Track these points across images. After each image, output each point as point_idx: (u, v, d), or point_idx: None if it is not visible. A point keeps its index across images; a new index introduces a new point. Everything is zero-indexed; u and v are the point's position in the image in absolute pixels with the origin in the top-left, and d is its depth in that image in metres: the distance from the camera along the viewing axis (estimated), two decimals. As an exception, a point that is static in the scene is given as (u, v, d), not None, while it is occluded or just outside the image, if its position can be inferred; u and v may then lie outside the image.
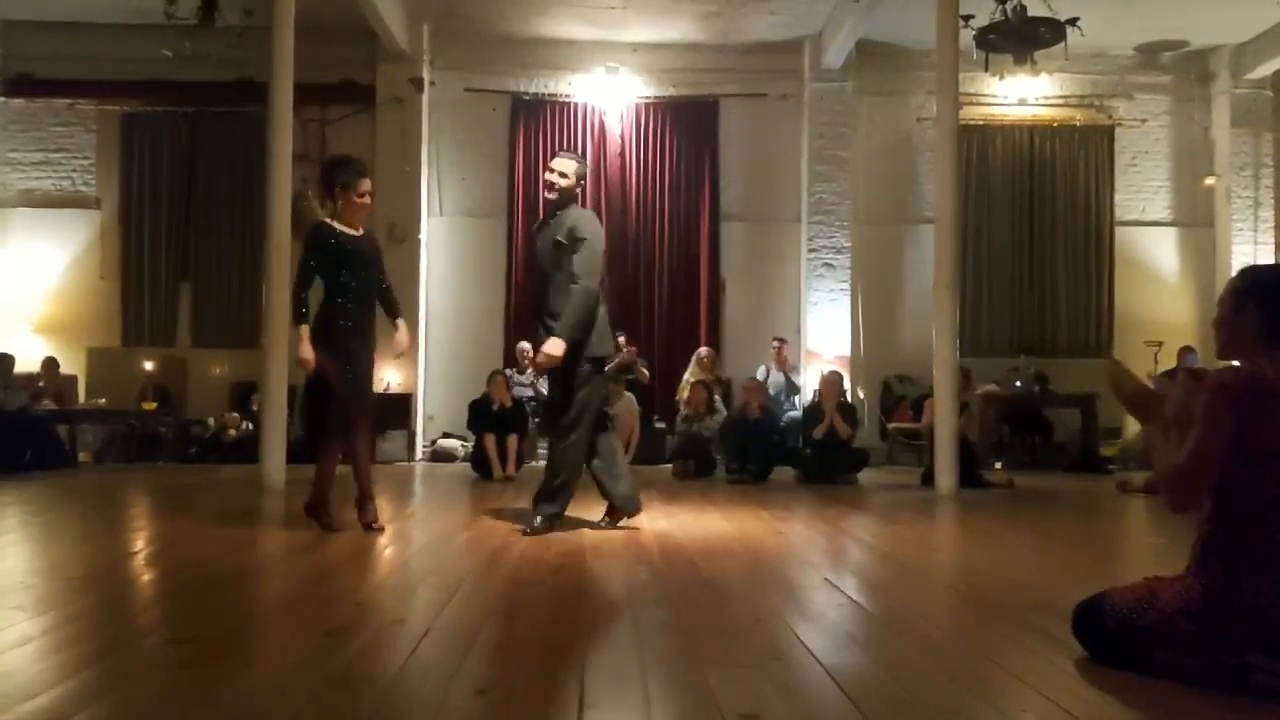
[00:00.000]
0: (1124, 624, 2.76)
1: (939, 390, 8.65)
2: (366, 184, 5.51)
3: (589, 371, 5.53)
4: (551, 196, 5.64)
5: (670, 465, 10.25)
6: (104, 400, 11.34)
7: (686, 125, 12.64)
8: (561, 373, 5.53)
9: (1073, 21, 9.56)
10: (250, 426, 10.68)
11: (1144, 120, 12.83)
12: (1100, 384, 2.83)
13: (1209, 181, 12.75)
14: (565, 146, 12.44)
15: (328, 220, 5.48)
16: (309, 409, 5.64)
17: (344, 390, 5.41)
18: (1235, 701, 2.51)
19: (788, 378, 11.51)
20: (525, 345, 11.68)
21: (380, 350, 5.80)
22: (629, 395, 10.66)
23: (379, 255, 5.69)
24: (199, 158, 12.41)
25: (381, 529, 5.50)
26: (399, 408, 11.68)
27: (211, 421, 11.52)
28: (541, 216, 5.84)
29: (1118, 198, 12.81)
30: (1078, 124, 12.79)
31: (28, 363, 10.85)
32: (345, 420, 5.50)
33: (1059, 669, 2.79)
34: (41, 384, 10.81)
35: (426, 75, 12.11)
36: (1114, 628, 2.78)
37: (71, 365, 11.76)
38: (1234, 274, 2.88)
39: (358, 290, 5.47)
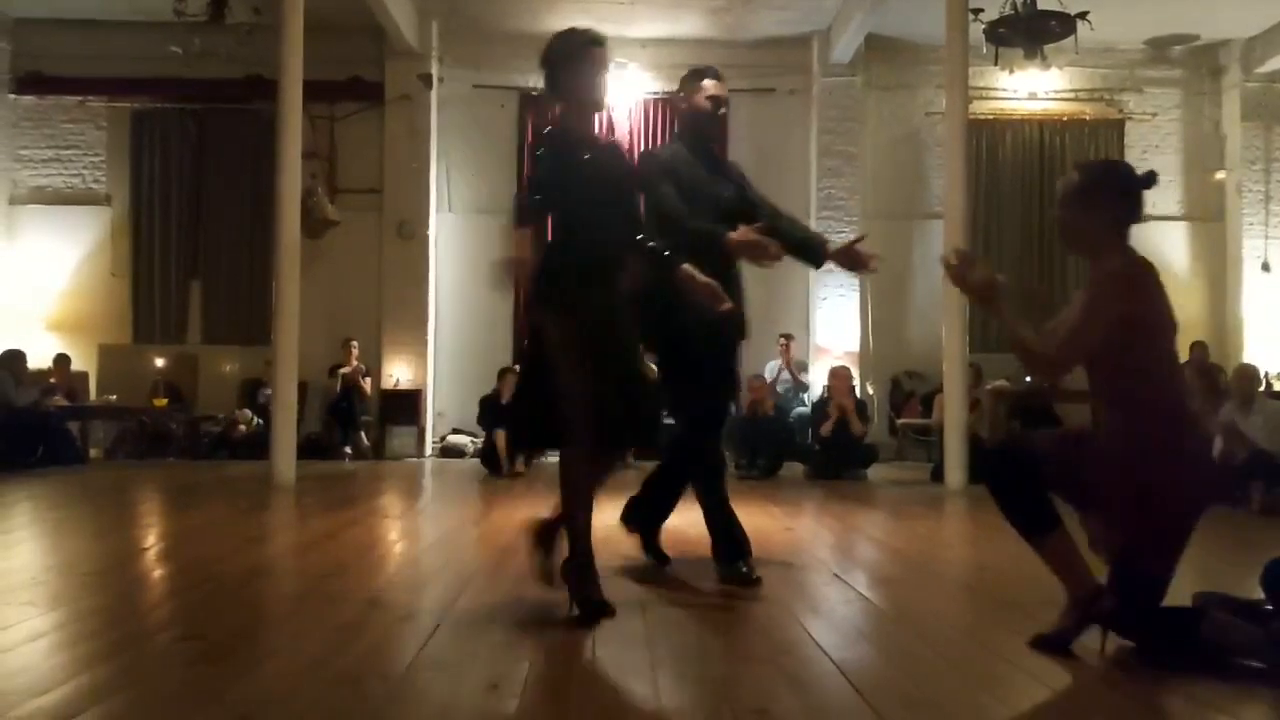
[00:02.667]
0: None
1: (949, 386, 8.65)
2: (603, 53, 3.65)
3: None
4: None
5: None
6: (115, 397, 11.37)
7: (694, 121, 12.60)
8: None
9: (1083, 15, 9.52)
10: (260, 422, 10.69)
11: (1154, 114, 12.77)
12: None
13: (1219, 176, 12.69)
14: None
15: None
16: (526, 404, 3.53)
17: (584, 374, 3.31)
18: (1243, 702, 2.50)
19: (794, 374, 11.50)
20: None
21: None
22: None
23: (635, 172, 3.95)
24: (208, 155, 12.42)
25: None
26: (408, 404, 11.75)
27: (221, 417, 11.56)
28: (702, 152, 4.28)
29: (1128, 192, 12.75)
30: (1087, 118, 12.73)
31: (39, 359, 10.88)
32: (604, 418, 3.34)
33: (1069, 665, 2.79)
34: (53, 381, 10.84)
35: (435, 72, 12.10)
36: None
37: (82, 362, 11.78)
38: (1072, 174, 3.04)
39: (605, 221, 3.52)
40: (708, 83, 4.23)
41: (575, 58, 3.60)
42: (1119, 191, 2.95)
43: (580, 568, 3.35)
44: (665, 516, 4.38)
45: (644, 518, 4.36)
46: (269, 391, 10.74)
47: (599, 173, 3.55)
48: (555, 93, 3.65)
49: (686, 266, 3.54)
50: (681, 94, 4.32)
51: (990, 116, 12.59)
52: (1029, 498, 2.85)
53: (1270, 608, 2.77)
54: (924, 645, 3.10)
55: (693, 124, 4.28)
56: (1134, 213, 2.96)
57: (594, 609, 3.27)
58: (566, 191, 3.47)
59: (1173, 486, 2.77)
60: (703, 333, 3.94)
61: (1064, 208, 3.00)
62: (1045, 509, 2.84)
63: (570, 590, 3.35)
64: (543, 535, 3.48)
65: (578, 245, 3.47)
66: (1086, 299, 2.87)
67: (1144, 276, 2.88)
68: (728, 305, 3.55)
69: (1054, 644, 2.82)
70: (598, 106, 3.66)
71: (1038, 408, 11.70)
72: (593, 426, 3.31)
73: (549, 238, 3.61)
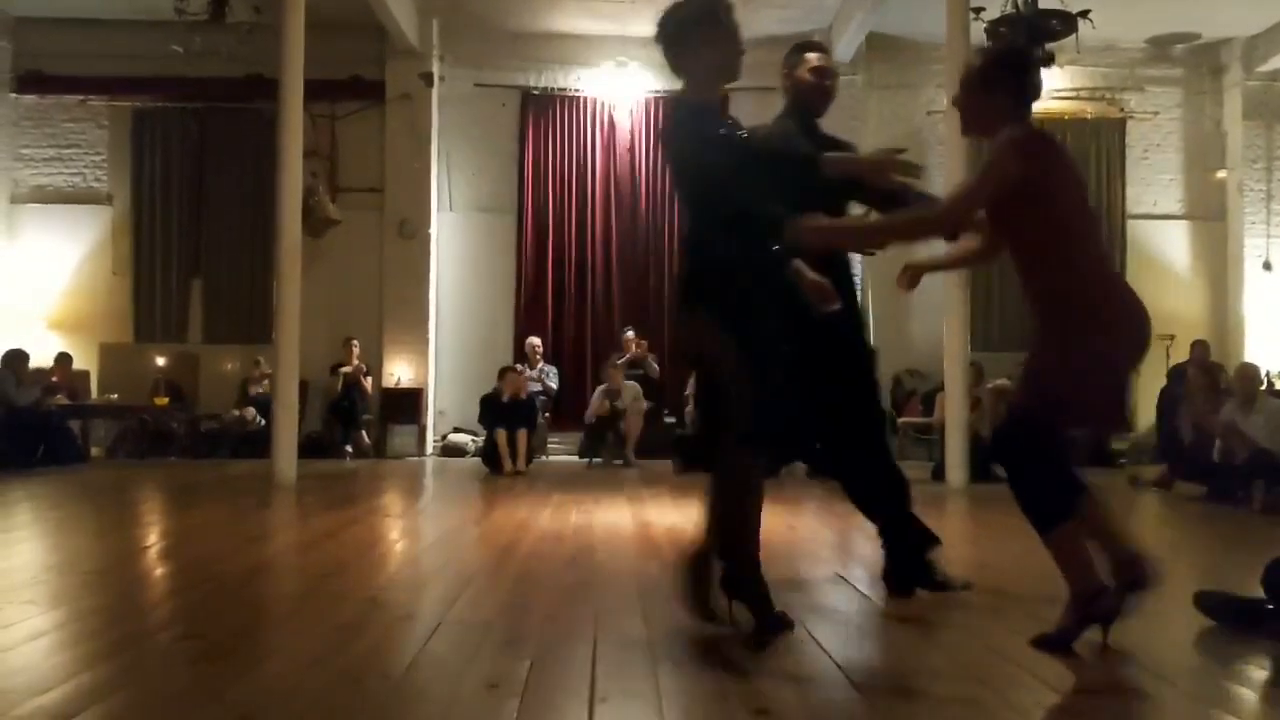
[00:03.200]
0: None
1: (950, 385, 8.64)
2: (735, 17, 3.32)
3: None
4: None
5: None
6: (116, 396, 11.37)
7: (696, 120, 12.59)
8: None
9: (1084, 14, 9.51)
10: (261, 420, 10.69)
11: (1155, 113, 12.75)
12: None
13: (1221, 175, 12.69)
14: (574, 141, 12.46)
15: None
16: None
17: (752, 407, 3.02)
18: (1244, 701, 2.50)
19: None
20: (535, 340, 11.71)
21: None
22: (633, 385, 10.60)
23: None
24: (209, 153, 12.42)
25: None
26: (409, 402, 11.77)
27: (222, 416, 11.56)
28: (810, 129, 4.00)
29: (1129, 191, 12.74)
30: (1089, 117, 12.71)
31: (40, 358, 10.88)
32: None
33: (1070, 663, 2.78)
34: (54, 380, 10.84)
35: (436, 71, 12.09)
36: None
37: (84, 361, 11.78)
38: (974, 57, 3.22)
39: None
40: (811, 55, 3.99)
41: (707, 24, 3.25)
42: (1017, 68, 3.06)
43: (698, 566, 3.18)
44: (916, 541, 3.93)
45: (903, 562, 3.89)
46: (257, 389, 10.84)
47: (766, 163, 3.24)
48: (681, 66, 3.27)
49: (797, 262, 3.18)
50: (785, 69, 4.04)
51: (991, 115, 12.56)
52: (1039, 477, 2.86)
53: (1271, 607, 2.78)
54: (925, 644, 3.10)
55: (797, 99, 4.02)
56: (1031, 90, 3.04)
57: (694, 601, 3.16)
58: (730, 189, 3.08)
59: (1106, 342, 2.90)
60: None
61: (965, 89, 3.08)
62: (1053, 493, 2.84)
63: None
64: (752, 593, 3.14)
65: (740, 260, 3.04)
66: (992, 154, 2.92)
67: (1042, 142, 2.97)
68: (836, 306, 3.20)
69: (1056, 643, 2.82)
70: (735, 76, 3.30)
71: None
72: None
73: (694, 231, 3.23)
